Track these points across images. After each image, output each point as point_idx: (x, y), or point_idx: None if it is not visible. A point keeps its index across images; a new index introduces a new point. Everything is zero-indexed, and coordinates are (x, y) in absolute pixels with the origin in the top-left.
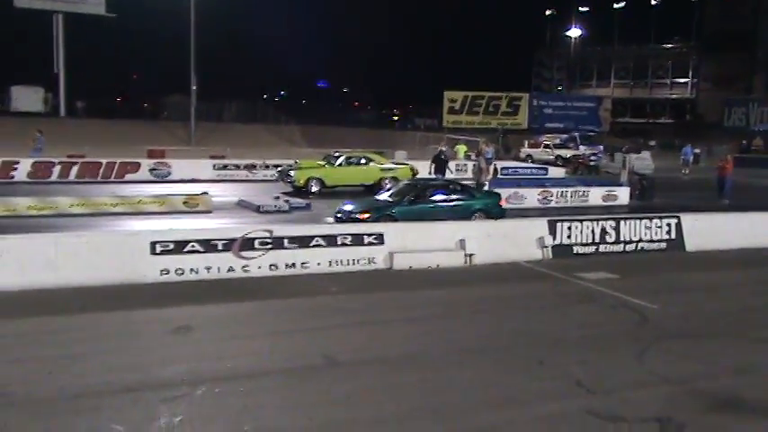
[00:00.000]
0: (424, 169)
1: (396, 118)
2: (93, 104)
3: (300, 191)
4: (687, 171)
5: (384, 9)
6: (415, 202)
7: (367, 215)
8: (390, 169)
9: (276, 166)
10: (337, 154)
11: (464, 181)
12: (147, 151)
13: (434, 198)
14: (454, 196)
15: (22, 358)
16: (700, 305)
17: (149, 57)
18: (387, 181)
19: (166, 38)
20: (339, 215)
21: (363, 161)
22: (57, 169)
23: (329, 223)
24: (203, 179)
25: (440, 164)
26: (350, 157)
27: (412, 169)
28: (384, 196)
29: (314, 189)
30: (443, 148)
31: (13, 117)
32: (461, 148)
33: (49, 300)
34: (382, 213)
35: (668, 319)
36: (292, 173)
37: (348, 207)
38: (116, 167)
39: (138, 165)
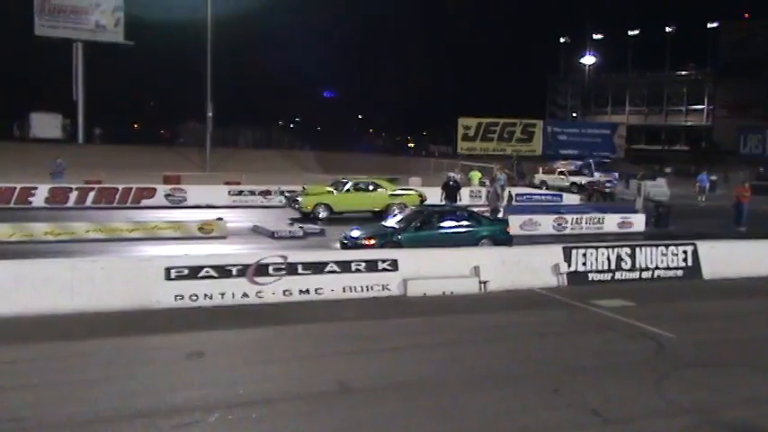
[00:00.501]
0: (437, 195)
1: (410, 145)
2: (111, 131)
3: (308, 217)
4: (703, 198)
5: (399, 37)
6: (421, 229)
7: (373, 241)
8: (398, 195)
9: (291, 191)
10: (345, 180)
11: (478, 207)
12: (163, 177)
13: (441, 225)
14: (461, 223)
15: (35, 383)
16: (717, 334)
17: (166, 84)
18: (395, 207)
19: (183, 65)
20: (345, 241)
21: (371, 187)
22: (74, 195)
23: (336, 249)
24: (218, 205)
25: (450, 191)
26: (357, 183)
27: (420, 195)
28: (391, 222)
29: (321, 215)
30: (452, 175)
31: (33, 144)
32: (476, 175)
33: (64, 325)
34: (388, 240)
35: (685, 348)
36: (300, 198)
37: (354, 233)
38: (132, 193)
39: (154, 190)
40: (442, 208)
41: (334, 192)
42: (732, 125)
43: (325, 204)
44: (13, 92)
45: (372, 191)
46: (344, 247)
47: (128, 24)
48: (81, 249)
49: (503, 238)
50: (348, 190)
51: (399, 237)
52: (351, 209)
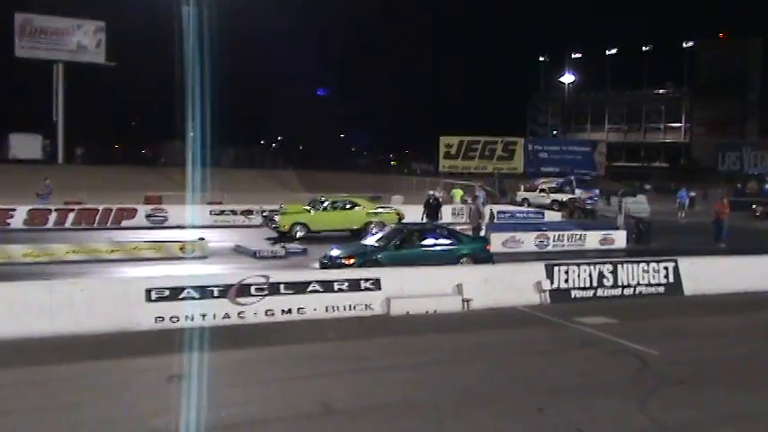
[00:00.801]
0: (419, 213)
1: (393, 163)
2: (92, 151)
3: (285, 236)
4: (683, 215)
5: (380, 55)
6: (400, 248)
7: (352, 261)
8: (376, 213)
9: (271, 210)
10: (323, 198)
11: (461, 225)
12: (144, 197)
13: (420, 243)
14: (441, 241)
15: (13, 409)
16: (699, 351)
17: (148, 104)
18: (373, 225)
19: (165, 85)
20: (325, 261)
21: (349, 206)
22: (53, 216)
23: (315, 269)
24: (200, 225)
25: (431, 209)
26: (335, 202)
27: (398, 213)
28: (370, 241)
29: (299, 234)
30: (433, 193)
31: (12, 165)
32: (457, 193)
33: (42, 348)
34: (367, 259)
35: (669, 365)
36: (276, 218)
37: (334, 252)
38: (113, 214)
39: (135, 211)
40: (422, 226)
41: (312, 210)
42: (710, 142)
43: (302, 224)
44: None
45: (350, 209)
46: (324, 266)
47: (109, 44)
48: (60, 271)
49: (483, 256)
50: (326, 208)
51: (379, 256)
52: (328, 228)
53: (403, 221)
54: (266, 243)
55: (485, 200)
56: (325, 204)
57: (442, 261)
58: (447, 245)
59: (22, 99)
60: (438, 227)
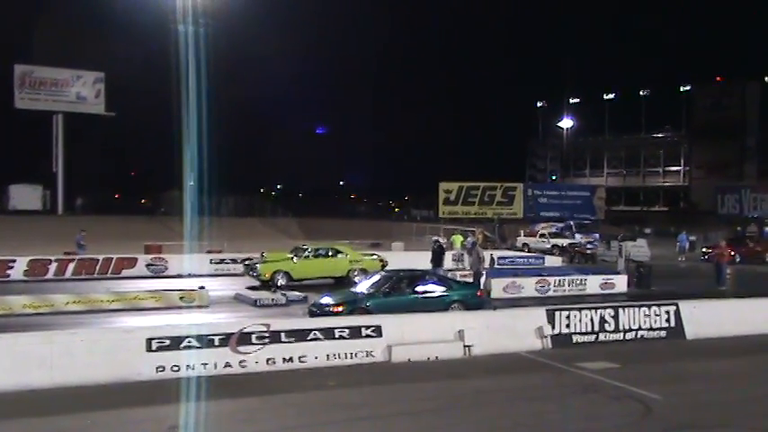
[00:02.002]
0: (419, 259)
1: (396, 209)
2: (92, 201)
3: (267, 284)
4: (683, 258)
5: (380, 102)
6: (389, 294)
7: (341, 308)
8: (359, 261)
9: (255, 259)
10: (305, 246)
11: (461, 271)
12: (144, 246)
13: (410, 290)
14: (431, 287)
15: None
16: (702, 395)
17: (147, 153)
18: (356, 273)
19: (164, 135)
20: (314, 308)
21: (331, 253)
22: (53, 266)
23: (301, 317)
24: (200, 274)
25: (434, 255)
26: (318, 249)
27: (381, 260)
28: (361, 288)
29: (280, 282)
30: (437, 239)
31: (11, 216)
32: (457, 239)
33: (43, 399)
34: (357, 306)
35: (672, 410)
36: (258, 266)
37: (324, 300)
38: (113, 263)
39: (135, 260)
40: (412, 273)
41: (294, 258)
42: (709, 185)
43: (283, 272)
44: None
45: (333, 256)
46: (312, 314)
47: (108, 94)
48: (60, 322)
49: (474, 302)
50: (307, 256)
51: (368, 303)
52: (311, 276)
53: (386, 268)
54: (266, 291)
55: (476, 244)
56: (307, 252)
57: (431, 308)
58: (437, 291)
59: (22, 150)
60: (428, 273)
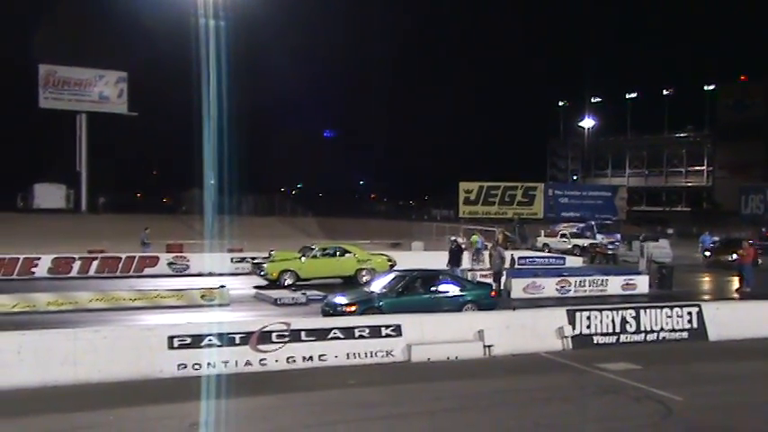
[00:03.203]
0: (440, 259)
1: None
2: (114, 200)
3: (274, 284)
4: (707, 257)
5: (399, 102)
6: (402, 294)
7: (353, 308)
8: (367, 260)
9: (264, 258)
10: (313, 246)
11: (482, 271)
12: (166, 246)
13: (423, 290)
14: (444, 288)
15: None
16: (725, 397)
17: (169, 153)
18: (364, 272)
19: (185, 134)
20: (327, 308)
21: (339, 252)
22: (77, 265)
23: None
24: (221, 272)
25: (452, 255)
26: (325, 249)
27: (389, 260)
28: (374, 287)
29: (287, 282)
30: (455, 239)
31: (36, 214)
32: (476, 239)
33: (66, 396)
34: (370, 306)
35: (694, 412)
36: (265, 265)
37: (336, 300)
38: (135, 262)
39: (157, 259)
40: (425, 273)
41: (302, 258)
42: (733, 185)
43: (291, 271)
44: (16, 163)
45: (340, 256)
46: (326, 314)
47: (131, 94)
48: (84, 319)
49: (487, 303)
50: (315, 256)
51: (381, 303)
52: (318, 275)
53: (400, 268)
54: (287, 290)
55: (482, 244)
56: (315, 252)
57: (445, 309)
58: (451, 292)
59: (46, 149)
60: (442, 273)
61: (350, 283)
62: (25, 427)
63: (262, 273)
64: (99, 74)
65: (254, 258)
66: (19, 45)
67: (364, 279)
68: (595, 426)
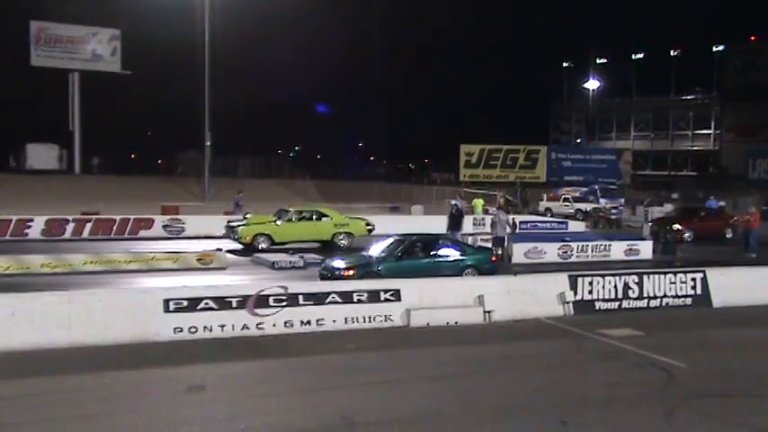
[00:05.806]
0: (441, 223)
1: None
2: (108, 161)
3: (249, 248)
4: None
5: (400, 63)
6: (401, 259)
7: (352, 272)
8: (344, 224)
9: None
10: (289, 209)
11: (483, 235)
12: (161, 207)
13: (423, 254)
14: (444, 252)
15: (32, 419)
16: (728, 363)
17: (164, 113)
18: (341, 236)
19: (181, 94)
20: (324, 272)
21: (316, 216)
22: (71, 227)
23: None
24: (217, 235)
25: (452, 219)
26: (301, 212)
27: (367, 224)
28: (373, 251)
29: (262, 246)
30: (455, 203)
31: (29, 175)
32: (479, 203)
33: (61, 359)
34: (368, 270)
35: (696, 378)
36: (239, 228)
37: (336, 263)
38: (130, 224)
39: (152, 221)
40: (425, 237)
41: (278, 221)
42: (740, 149)
43: (265, 235)
44: (8, 123)
45: (317, 220)
46: (323, 278)
47: (125, 53)
48: (78, 282)
49: (488, 268)
50: (290, 219)
51: (379, 267)
52: (294, 239)
53: (373, 232)
54: (284, 254)
55: (462, 208)
56: (291, 215)
57: (444, 273)
58: (451, 256)
59: (38, 109)
60: (442, 237)
61: (328, 247)
62: (19, 389)
63: (236, 237)
64: (92, 31)
65: (229, 222)
66: (10, 0)
67: (342, 243)
68: (596, 392)
